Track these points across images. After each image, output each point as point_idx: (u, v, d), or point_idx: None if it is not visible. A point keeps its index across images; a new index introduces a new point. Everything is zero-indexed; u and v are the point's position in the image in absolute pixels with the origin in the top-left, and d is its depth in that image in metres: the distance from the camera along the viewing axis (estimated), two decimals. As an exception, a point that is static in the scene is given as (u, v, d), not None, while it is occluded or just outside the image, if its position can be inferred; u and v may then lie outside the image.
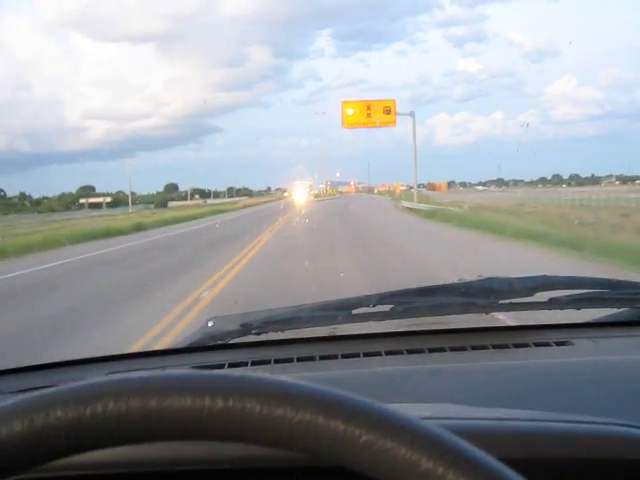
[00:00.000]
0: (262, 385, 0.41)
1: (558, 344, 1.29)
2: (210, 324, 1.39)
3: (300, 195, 51.72)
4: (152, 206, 63.00)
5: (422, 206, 25.98)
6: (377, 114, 28.05)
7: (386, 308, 1.37)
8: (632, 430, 0.70)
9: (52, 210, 53.87)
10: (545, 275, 1.42)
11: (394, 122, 28.47)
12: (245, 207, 46.65)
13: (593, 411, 0.80)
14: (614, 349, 1.30)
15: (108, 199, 62.74)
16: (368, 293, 1.40)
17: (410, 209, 27.56)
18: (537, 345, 1.29)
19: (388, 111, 28.08)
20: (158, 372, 0.42)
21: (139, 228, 23.95)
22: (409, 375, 1.12)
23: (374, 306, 1.37)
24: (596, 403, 0.93)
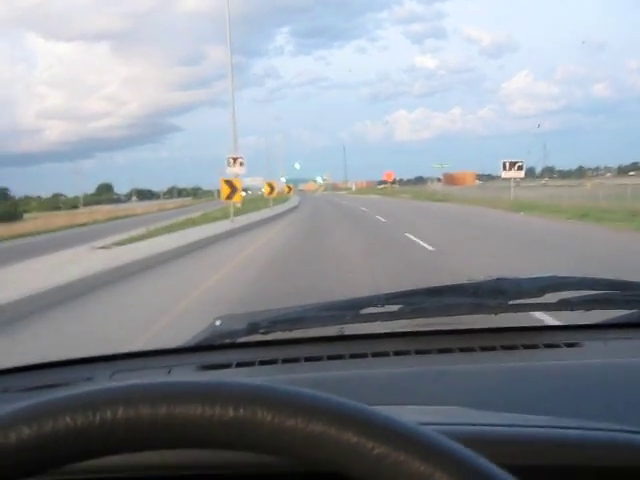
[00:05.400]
0: (274, 395, 0.40)
1: (568, 346, 1.29)
2: (217, 323, 1.38)
3: None
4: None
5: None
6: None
7: (394, 308, 1.35)
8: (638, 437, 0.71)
9: None
10: (555, 275, 1.41)
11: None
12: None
13: (603, 415, 0.81)
14: (624, 351, 1.28)
15: None
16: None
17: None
18: (547, 346, 1.29)
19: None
20: (168, 379, 0.42)
21: None
22: (417, 376, 1.12)
23: (382, 306, 1.35)
24: (606, 407, 0.93)
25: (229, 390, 0.40)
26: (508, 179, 30.33)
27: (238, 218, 20.89)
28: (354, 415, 0.40)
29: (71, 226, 34.11)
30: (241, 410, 0.39)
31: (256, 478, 0.72)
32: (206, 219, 21.80)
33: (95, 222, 38.02)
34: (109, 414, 0.39)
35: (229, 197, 19.62)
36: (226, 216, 20.40)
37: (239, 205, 30.53)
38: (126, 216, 45.91)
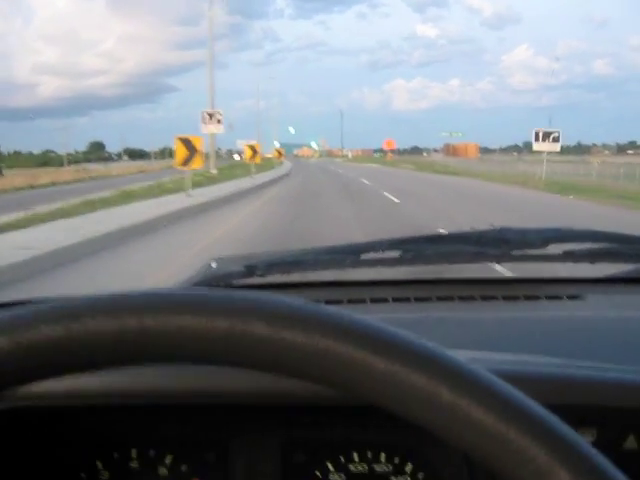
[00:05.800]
0: (274, 307, 0.37)
1: (570, 298, 1.28)
2: (213, 265, 1.34)
3: None
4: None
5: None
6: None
7: (395, 254, 1.32)
8: None
9: None
10: (560, 227, 1.39)
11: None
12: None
13: (607, 362, 0.81)
14: (628, 305, 1.28)
15: None
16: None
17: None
18: (548, 298, 1.28)
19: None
20: (161, 290, 0.39)
21: None
22: (416, 323, 1.10)
23: (383, 252, 1.32)
24: (610, 355, 0.92)
25: (224, 300, 0.37)
26: (508, 152, 25.56)
27: (201, 191, 15.68)
28: (358, 328, 0.36)
29: (20, 188, 29.12)
30: (237, 322, 0.36)
31: (247, 409, 0.70)
32: (159, 190, 16.41)
33: (54, 184, 33.00)
34: (93, 324, 0.36)
35: (186, 163, 13.51)
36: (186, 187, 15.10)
37: (215, 172, 25.14)
38: (95, 177, 41.55)
